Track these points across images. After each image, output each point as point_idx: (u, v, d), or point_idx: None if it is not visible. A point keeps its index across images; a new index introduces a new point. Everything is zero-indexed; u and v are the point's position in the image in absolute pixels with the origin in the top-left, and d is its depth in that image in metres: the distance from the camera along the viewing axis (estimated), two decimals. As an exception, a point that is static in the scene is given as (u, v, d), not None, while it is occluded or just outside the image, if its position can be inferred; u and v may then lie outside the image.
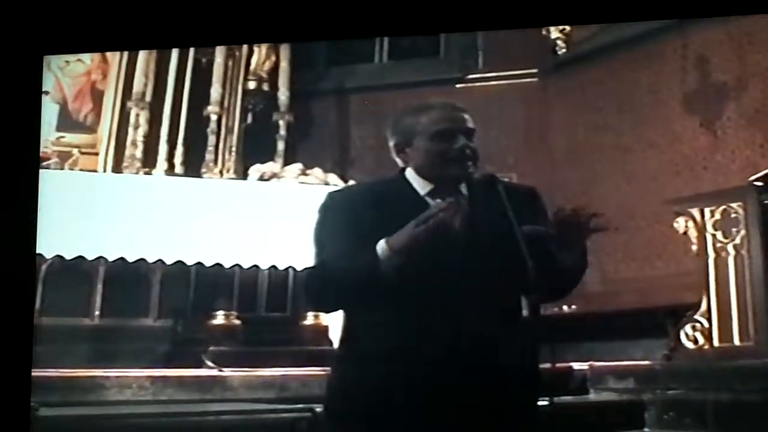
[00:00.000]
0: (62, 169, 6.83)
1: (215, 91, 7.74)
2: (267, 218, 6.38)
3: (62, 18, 3.62)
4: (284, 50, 8.21)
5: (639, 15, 3.88)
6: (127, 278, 6.42)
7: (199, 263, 6.24)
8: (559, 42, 8.24)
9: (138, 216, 6.15)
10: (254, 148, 7.92)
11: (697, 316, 5.75)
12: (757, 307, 5.52)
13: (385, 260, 2.30)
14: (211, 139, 7.66)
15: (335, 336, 6.21)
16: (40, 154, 6.23)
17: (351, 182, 6.62)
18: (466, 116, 2.52)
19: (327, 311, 2.91)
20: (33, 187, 3.58)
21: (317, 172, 7.31)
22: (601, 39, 7.80)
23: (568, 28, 8.07)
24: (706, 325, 5.71)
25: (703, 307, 5.74)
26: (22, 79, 3.61)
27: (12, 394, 3.43)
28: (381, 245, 2.31)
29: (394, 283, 2.31)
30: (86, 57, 7.56)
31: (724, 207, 5.77)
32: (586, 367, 5.88)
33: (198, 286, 6.61)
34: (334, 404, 2.53)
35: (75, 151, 7.21)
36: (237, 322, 6.56)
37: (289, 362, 5.82)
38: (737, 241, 5.68)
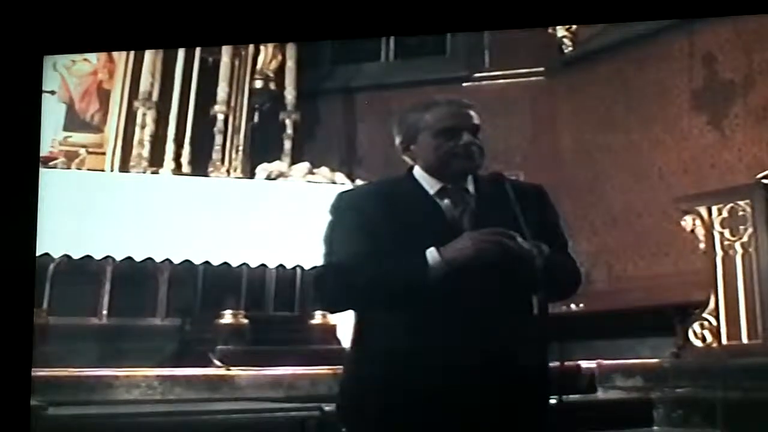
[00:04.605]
0: (69, 168, 6.83)
1: (222, 91, 7.74)
2: (274, 217, 6.38)
3: (63, 18, 3.62)
4: (290, 49, 8.21)
5: (645, 15, 3.87)
6: (135, 278, 6.42)
7: (206, 262, 6.25)
8: (565, 40, 8.22)
9: (145, 215, 6.16)
10: (261, 147, 7.92)
11: (705, 314, 5.74)
12: (765, 304, 5.52)
13: (435, 268, 2.32)
14: (218, 139, 7.66)
15: (344, 335, 6.22)
16: (47, 154, 6.30)
17: (358, 181, 6.63)
18: (472, 113, 2.51)
19: (338, 311, 2.92)
20: (33, 188, 3.58)
21: (324, 170, 7.32)
22: (608, 37, 7.79)
23: (574, 26, 8.07)
24: (714, 323, 5.71)
25: (711, 305, 5.74)
26: (22, 79, 3.62)
27: (12, 394, 3.44)
28: (432, 253, 2.33)
29: (436, 289, 2.32)
30: (92, 56, 7.57)
31: (731, 205, 5.77)
32: (594, 366, 5.88)
33: (205, 286, 6.61)
34: (347, 404, 2.54)
35: (82, 150, 7.21)
36: (245, 321, 6.56)
37: (297, 361, 5.81)
38: (745, 239, 5.68)
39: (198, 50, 7.65)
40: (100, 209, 6.03)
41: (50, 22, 3.62)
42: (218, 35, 4.56)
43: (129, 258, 6.12)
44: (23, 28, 3.61)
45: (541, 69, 8.44)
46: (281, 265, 6.44)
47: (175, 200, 6.33)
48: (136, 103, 7.48)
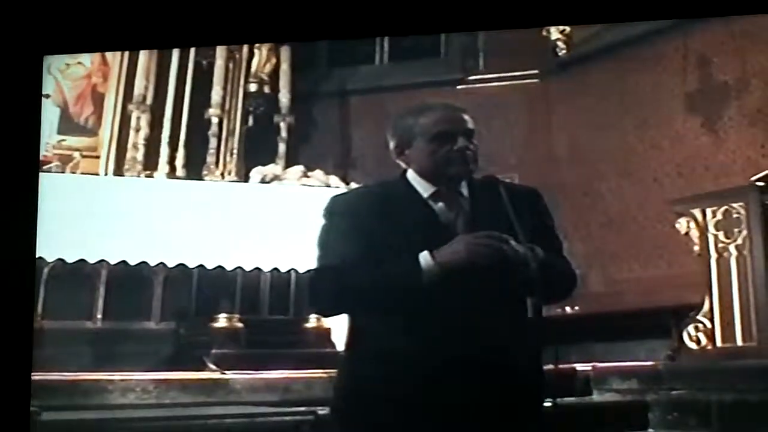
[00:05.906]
0: (63, 172, 6.82)
1: (216, 94, 7.73)
2: (269, 220, 6.38)
3: (62, 18, 3.61)
4: (285, 52, 8.21)
5: (640, 15, 3.87)
6: (130, 281, 6.42)
7: (201, 266, 6.25)
8: (559, 43, 8.22)
9: (140, 219, 6.15)
10: (255, 151, 7.92)
11: (699, 317, 5.74)
12: (759, 307, 5.51)
13: (428, 271, 2.32)
14: (213, 142, 7.65)
15: (338, 338, 6.21)
16: (42, 158, 6.28)
17: (353, 184, 6.63)
18: (466, 117, 2.52)
19: (332, 314, 2.90)
20: (33, 190, 3.57)
21: (318, 174, 7.31)
22: (603, 40, 7.80)
23: (568, 29, 8.06)
24: (709, 325, 5.70)
25: (706, 307, 5.73)
26: (22, 80, 3.61)
27: (12, 398, 3.42)
28: (425, 257, 2.33)
29: (429, 293, 2.32)
30: (86, 60, 7.55)
31: (725, 207, 5.76)
32: (590, 368, 5.88)
33: (200, 289, 6.60)
34: (341, 407, 2.53)
35: (76, 154, 7.19)
36: (239, 324, 6.55)
37: (292, 364, 5.81)
38: (739, 241, 5.67)
39: (192, 53, 7.65)
40: (95, 213, 6.02)
41: (50, 22, 3.61)
42: (212, 35, 4.56)
43: (123, 262, 6.11)
44: (23, 28, 3.60)
45: (536, 71, 8.45)
46: (276, 269, 6.45)
47: (170, 204, 6.33)
48: (130, 107, 7.48)
